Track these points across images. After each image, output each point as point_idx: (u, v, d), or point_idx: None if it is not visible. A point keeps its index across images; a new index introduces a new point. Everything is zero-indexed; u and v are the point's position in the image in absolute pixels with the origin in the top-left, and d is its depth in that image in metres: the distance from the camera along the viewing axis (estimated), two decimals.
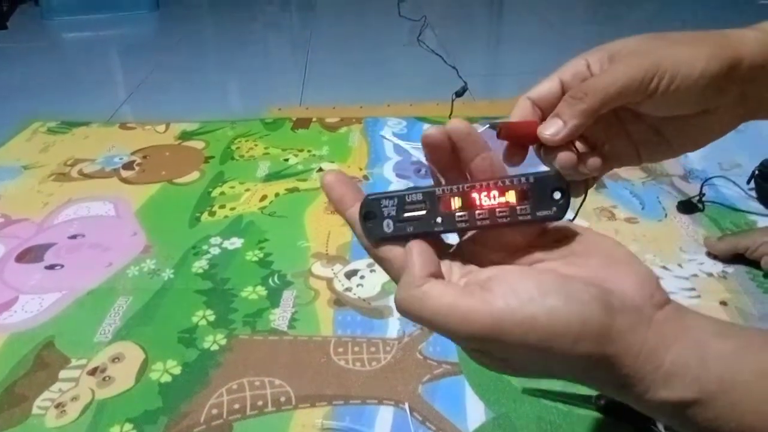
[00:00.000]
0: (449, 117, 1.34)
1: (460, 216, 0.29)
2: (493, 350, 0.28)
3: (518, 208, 0.29)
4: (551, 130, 0.33)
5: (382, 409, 0.68)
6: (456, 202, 0.29)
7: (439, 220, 0.29)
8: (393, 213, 0.30)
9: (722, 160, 1.20)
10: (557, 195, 0.29)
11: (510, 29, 2.44)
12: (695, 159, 1.21)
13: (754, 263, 0.88)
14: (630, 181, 1.13)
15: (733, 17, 2.36)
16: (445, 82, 1.62)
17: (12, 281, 0.90)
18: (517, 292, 0.27)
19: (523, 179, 0.29)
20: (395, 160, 1.24)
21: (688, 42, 0.35)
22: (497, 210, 0.29)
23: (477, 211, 0.29)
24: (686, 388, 0.26)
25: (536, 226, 0.31)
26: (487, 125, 0.33)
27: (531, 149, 0.35)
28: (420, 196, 0.30)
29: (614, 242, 0.30)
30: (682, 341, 0.27)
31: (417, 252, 0.29)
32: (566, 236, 0.31)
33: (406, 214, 0.30)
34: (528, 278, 0.28)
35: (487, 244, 0.32)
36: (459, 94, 1.42)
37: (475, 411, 0.67)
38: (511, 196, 0.29)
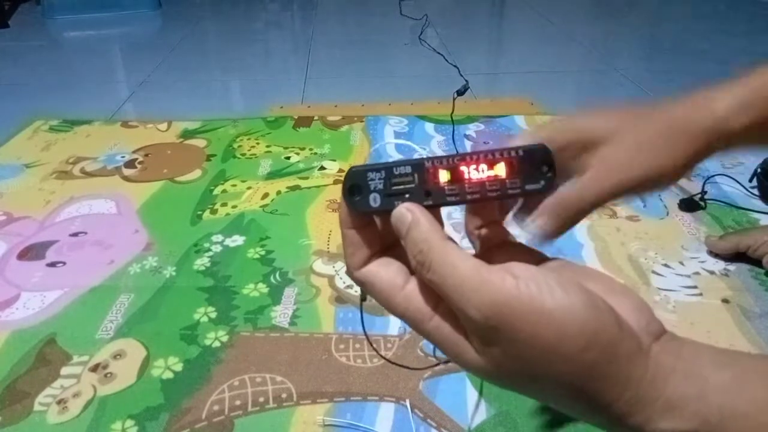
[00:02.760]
0: (451, 115, 1.34)
1: (450, 190, 0.28)
2: (494, 337, 0.26)
3: (507, 181, 0.28)
4: (531, 231, 0.35)
5: (383, 406, 0.68)
6: (445, 176, 0.28)
7: (428, 193, 0.28)
8: (380, 186, 0.28)
9: (724, 158, 1.20)
10: (545, 168, 0.28)
11: (511, 28, 2.44)
12: None
13: (756, 262, 0.87)
14: None
15: (734, 16, 2.36)
16: (447, 80, 1.62)
17: (14, 279, 0.91)
18: (537, 281, 0.25)
19: (512, 152, 0.28)
20: (396, 158, 1.24)
21: (667, 143, 0.36)
22: (487, 183, 0.28)
23: (467, 185, 0.28)
24: (686, 420, 0.25)
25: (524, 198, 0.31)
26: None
27: None
28: (408, 169, 0.28)
29: (610, 276, 0.30)
30: (680, 372, 0.26)
31: (420, 211, 0.28)
32: (566, 265, 0.30)
33: (394, 188, 0.28)
34: (550, 272, 0.26)
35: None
36: (460, 92, 1.42)
37: (477, 408, 0.67)
38: (500, 170, 0.28)
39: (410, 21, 2.29)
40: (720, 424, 0.25)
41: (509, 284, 0.25)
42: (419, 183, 0.28)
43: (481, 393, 0.69)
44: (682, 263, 0.90)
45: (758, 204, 1.04)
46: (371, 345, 0.76)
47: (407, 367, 0.72)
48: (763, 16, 2.32)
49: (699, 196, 1.05)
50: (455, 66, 1.73)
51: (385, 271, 0.29)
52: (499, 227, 0.32)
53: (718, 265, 0.89)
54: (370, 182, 0.28)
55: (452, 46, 1.98)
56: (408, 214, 0.28)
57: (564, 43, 2.07)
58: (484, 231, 0.32)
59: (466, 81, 1.51)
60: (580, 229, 0.98)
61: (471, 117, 1.42)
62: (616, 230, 0.98)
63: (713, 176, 1.11)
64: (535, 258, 0.31)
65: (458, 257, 0.26)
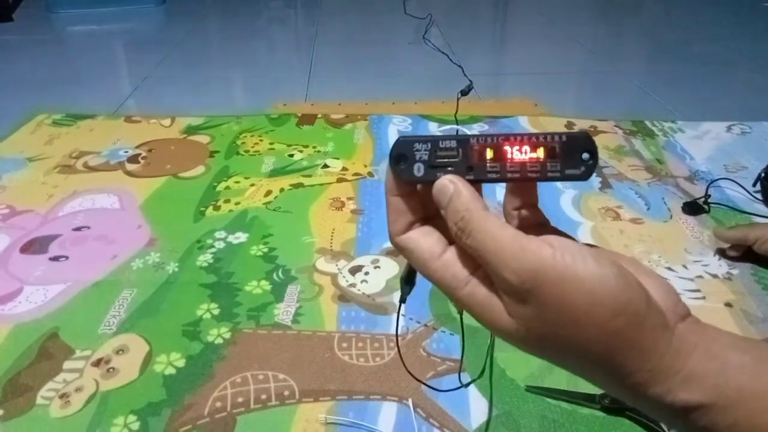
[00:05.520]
0: (455, 115, 1.34)
1: (492, 167, 0.29)
2: (527, 298, 0.27)
3: (548, 164, 0.29)
4: None
5: (385, 405, 0.68)
6: (488, 153, 0.29)
7: (470, 168, 0.29)
8: (425, 157, 0.30)
9: (728, 163, 1.20)
10: (586, 156, 0.29)
11: (515, 28, 2.44)
12: (701, 161, 1.21)
13: (760, 259, 0.87)
14: (635, 181, 1.13)
15: (738, 19, 2.36)
16: (451, 80, 1.62)
17: (16, 272, 0.91)
18: (572, 252, 0.27)
19: (556, 137, 0.29)
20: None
21: None
22: (528, 164, 0.29)
23: (508, 164, 0.29)
24: (706, 393, 0.26)
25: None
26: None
27: None
28: (453, 143, 0.30)
29: (640, 262, 0.30)
30: (702, 350, 0.27)
31: (462, 183, 0.29)
32: (600, 247, 0.31)
33: (438, 160, 0.30)
34: (584, 246, 0.28)
35: None
36: (464, 92, 1.42)
37: (479, 408, 0.67)
38: (541, 153, 0.29)
39: (414, 20, 2.29)
40: (738, 401, 0.26)
41: (546, 253, 0.26)
42: (462, 158, 0.30)
43: (491, 401, 0.69)
44: (685, 266, 0.90)
45: (761, 208, 1.04)
46: (398, 352, 0.76)
47: (420, 381, 0.72)
48: (766, 19, 2.32)
49: (703, 199, 1.05)
50: (459, 66, 1.73)
51: (425, 239, 0.31)
52: (537, 210, 0.33)
53: (722, 269, 0.89)
54: (416, 152, 0.30)
55: (456, 46, 1.98)
56: (450, 185, 0.29)
57: (568, 44, 2.06)
58: (523, 212, 0.33)
59: (470, 81, 1.51)
60: (584, 231, 0.98)
61: (475, 117, 1.42)
62: (620, 232, 0.98)
63: (717, 180, 1.11)
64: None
65: (498, 225, 0.28)
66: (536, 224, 0.33)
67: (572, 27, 2.27)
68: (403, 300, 0.37)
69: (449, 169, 0.30)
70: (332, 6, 2.63)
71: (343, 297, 0.84)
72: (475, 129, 1.36)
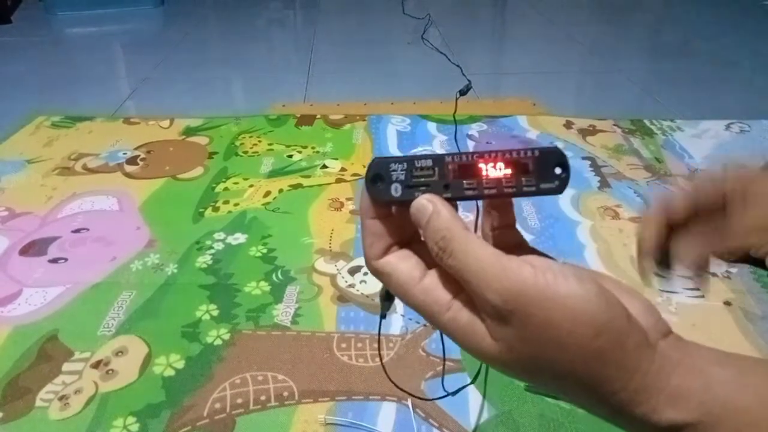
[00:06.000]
0: (453, 115, 1.34)
1: (468, 184, 0.29)
2: (509, 319, 0.27)
3: (523, 179, 0.29)
4: None
5: (385, 405, 0.68)
6: (464, 171, 0.29)
7: (447, 187, 0.29)
8: (402, 177, 0.30)
9: (726, 161, 1.20)
10: (559, 170, 0.29)
11: (514, 28, 2.44)
12: (699, 159, 1.21)
13: (759, 262, 0.87)
14: (634, 180, 1.13)
15: (737, 18, 2.36)
16: (449, 80, 1.62)
17: (16, 274, 0.91)
18: (553, 271, 0.26)
19: (528, 152, 0.29)
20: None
21: None
22: (503, 180, 0.29)
23: (484, 181, 0.29)
24: (691, 410, 0.26)
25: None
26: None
27: None
28: (429, 162, 0.29)
29: (620, 280, 0.30)
30: (685, 366, 0.27)
31: (441, 202, 0.29)
32: (579, 266, 0.31)
33: (415, 180, 0.30)
34: (565, 265, 0.27)
35: None
36: (463, 92, 1.41)
37: (478, 408, 0.67)
38: (516, 168, 0.29)
39: (413, 20, 2.29)
40: (724, 417, 0.26)
41: (527, 272, 0.26)
42: (439, 176, 0.29)
43: (484, 396, 0.69)
44: None
45: None
46: (384, 369, 0.76)
47: (409, 394, 0.72)
48: (765, 17, 2.32)
49: None
50: (458, 66, 1.73)
51: (403, 263, 0.30)
52: (514, 230, 0.33)
53: (720, 268, 0.89)
54: (392, 173, 0.30)
55: (455, 46, 1.98)
56: (429, 204, 0.29)
57: (566, 43, 2.07)
58: (500, 233, 0.33)
59: (469, 81, 1.51)
60: (582, 230, 0.98)
61: (473, 117, 1.42)
62: (619, 231, 0.98)
63: None
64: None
65: (479, 245, 0.27)
66: (514, 245, 0.33)
67: (571, 26, 2.27)
68: (383, 316, 0.37)
69: (426, 188, 0.29)
70: (331, 6, 2.63)
71: (342, 297, 0.84)
72: (473, 129, 1.36)
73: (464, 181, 0.29)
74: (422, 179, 0.29)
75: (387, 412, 0.67)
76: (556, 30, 2.24)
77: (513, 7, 2.67)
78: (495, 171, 0.29)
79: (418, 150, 1.27)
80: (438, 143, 1.30)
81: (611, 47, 2.05)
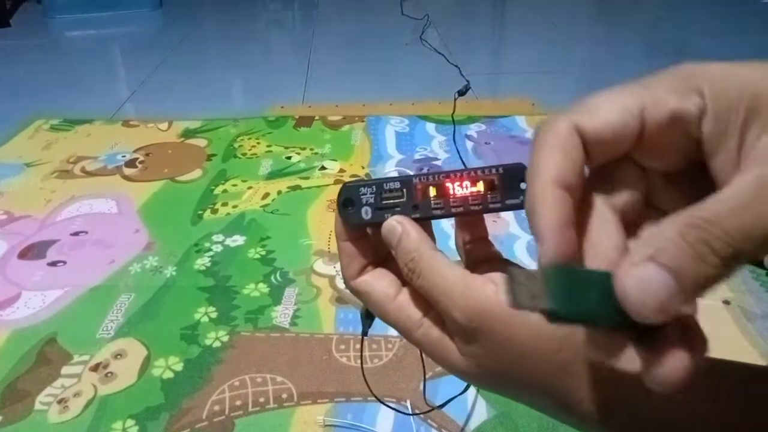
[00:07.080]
0: (452, 116, 1.34)
1: (436, 204, 0.30)
2: (475, 337, 0.27)
3: (489, 196, 0.30)
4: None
5: (383, 406, 0.68)
6: (432, 191, 0.31)
7: (416, 207, 0.30)
8: (372, 200, 0.31)
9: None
10: (524, 185, 0.30)
11: (513, 28, 2.44)
12: None
13: (758, 262, 0.87)
14: None
15: (736, 17, 2.36)
16: (448, 80, 1.62)
17: (15, 278, 0.91)
18: None
19: (493, 170, 0.30)
20: (397, 158, 1.24)
21: None
22: (470, 198, 0.30)
23: (451, 200, 0.30)
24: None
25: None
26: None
27: None
28: (398, 184, 0.31)
29: None
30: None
31: (410, 223, 0.30)
32: None
33: (384, 202, 0.31)
34: None
35: None
36: (461, 92, 1.42)
37: (477, 409, 0.67)
38: (481, 186, 0.30)
39: (411, 21, 2.29)
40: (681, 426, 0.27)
41: (490, 291, 0.27)
42: (408, 198, 0.31)
43: (478, 391, 0.69)
44: None
45: None
46: (365, 379, 0.76)
47: (399, 410, 0.72)
48: (765, 15, 2.32)
49: None
50: (456, 66, 1.73)
51: (379, 282, 0.31)
52: (487, 242, 0.34)
53: None
54: (362, 196, 0.31)
55: (453, 46, 1.98)
56: (398, 226, 0.30)
57: (565, 43, 2.07)
58: (473, 246, 0.34)
59: (468, 81, 1.51)
60: None
61: (472, 117, 1.42)
62: None
63: None
64: None
65: (446, 265, 0.28)
66: (486, 258, 0.33)
67: (570, 26, 2.27)
68: (365, 333, 0.38)
69: (396, 209, 0.30)
70: (329, 8, 2.63)
71: (341, 299, 0.84)
72: (472, 129, 1.36)
73: (432, 201, 0.30)
74: (391, 201, 0.31)
75: (386, 414, 0.67)
76: (556, 30, 2.24)
77: (512, 7, 2.67)
78: (462, 189, 0.30)
79: (417, 150, 1.27)
80: (437, 144, 1.30)
81: (610, 47, 2.05)
